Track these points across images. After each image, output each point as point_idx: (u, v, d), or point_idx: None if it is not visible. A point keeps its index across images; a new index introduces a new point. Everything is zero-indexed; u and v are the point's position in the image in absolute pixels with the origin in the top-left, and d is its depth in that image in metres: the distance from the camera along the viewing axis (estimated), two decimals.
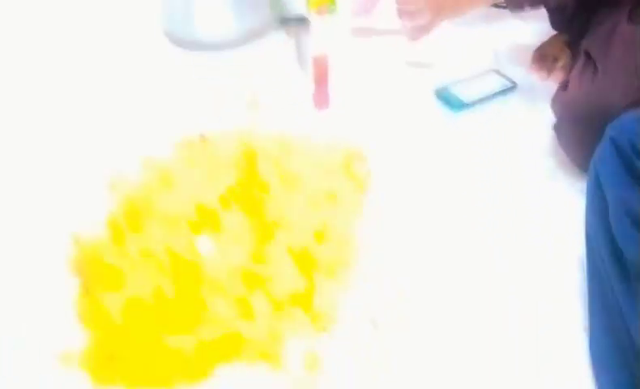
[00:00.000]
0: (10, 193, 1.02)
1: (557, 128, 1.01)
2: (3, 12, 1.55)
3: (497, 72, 1.26)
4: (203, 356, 0.73)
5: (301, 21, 1.25)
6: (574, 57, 1.09)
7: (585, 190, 0.76)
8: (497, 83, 1.23)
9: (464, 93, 1.20)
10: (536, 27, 1.30)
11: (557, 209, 0.94)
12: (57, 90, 1.29)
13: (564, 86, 1.01)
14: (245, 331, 0.76)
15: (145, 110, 1.23)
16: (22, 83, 1.32)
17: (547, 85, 1.16)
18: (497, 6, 1.30)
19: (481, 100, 1.19)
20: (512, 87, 1.22)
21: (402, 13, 1.12)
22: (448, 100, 1.20)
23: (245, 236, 0.88)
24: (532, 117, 1.14)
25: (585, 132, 0.90)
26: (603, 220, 0.71)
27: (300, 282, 0.82)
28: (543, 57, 1.24)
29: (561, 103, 1.00)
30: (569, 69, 1.11)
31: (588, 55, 0.96)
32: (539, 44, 1.24)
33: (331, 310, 0.79)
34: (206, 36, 1.41)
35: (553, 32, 1.22)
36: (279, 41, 1.30)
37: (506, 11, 1.22)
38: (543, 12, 1.14)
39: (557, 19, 1.15)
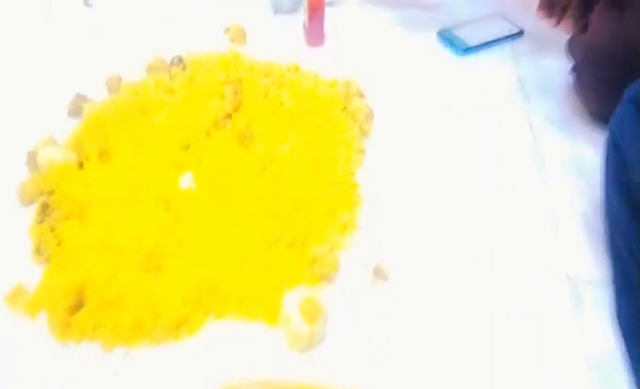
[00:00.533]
0: None
1: (576, 73, 0.93)
2: None
3: (503, 17, 1.17)
4: (188, 306, 0.62)
5: None
6: (585, 7, 1.01)
7: (600, 143, 0.70)
8: (502, 28, 1.15)
9: (468, 36, 1.12)
10: None
11: (568, 158, 0.86)
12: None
13: (583, 28, 0.93)
14: (234, 276, 0.65)
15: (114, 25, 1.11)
16: None
17: (555, 32, 1.08)
18: None
19: (486, 45, 1.11)
20: (519, 33, 1.13)
21: None
22: (451, 42, 1.11)
23: (232, 171, 0.77)
24: (540, 63, 1.06)
25: (608, 77, 0.84)
26: (622, 187, 0.65)
27: (296, 223, 0.71)
28: (551, 3, 1.16)
29: (580, 46, 0.92)
30: (578, 17, 1.03)
31: None
32: None
33: (332, 257, 0.68)
34: None
35: None
36: None
37: None
38: None
39: None
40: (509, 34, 1.13)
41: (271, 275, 0.66)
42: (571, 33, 0.96)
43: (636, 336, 0.62)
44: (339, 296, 0.67)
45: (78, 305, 0.60)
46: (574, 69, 0.93)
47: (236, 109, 0.86)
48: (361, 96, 0.95)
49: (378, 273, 0.69)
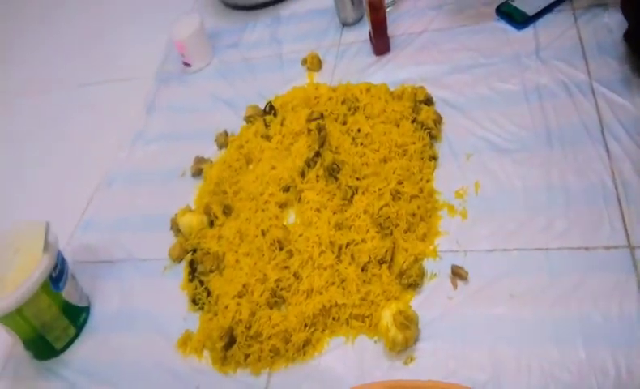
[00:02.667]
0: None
1: (630, 36, 0.94)
2: None
3: None
4: (309, 329, 0.81)
5: None
6: None
7: None
8: None
9: (526, 5, 1.14)
10: None
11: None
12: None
13: None
14: (340, 299, 0.82)
15: (211, 83, 1.29)
16: None
17: None
18: None
19: (546, 10, 1.13)
20: None
21: None
22: (511, 15, 1.15)
23: (326, 204, 0.93)
24: (600, 23, 1.07)
25: None
26: None
27: (382, 242, 0.86)
28: None
29: (633, 10, 0.93)
30: None
31: None
32: None
33: (417, 266, 0.83)
34: None
35: None
36: None
37: None
38: None
39: None
40: None
41: (369, 292, 0.82)
42: None
43: None
44: (427, 300, 0.81)
45: (231, 343, 0.82)
46: (626, 33, 0.95)
47: (322, 144, 1.02)
48: (429, 101, 1.05)
49: (456, 274, 0.82)
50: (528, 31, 1.11)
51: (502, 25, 1.15)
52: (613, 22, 1.04)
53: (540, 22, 1.12)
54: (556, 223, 0.82)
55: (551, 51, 1.05)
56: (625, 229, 0.79)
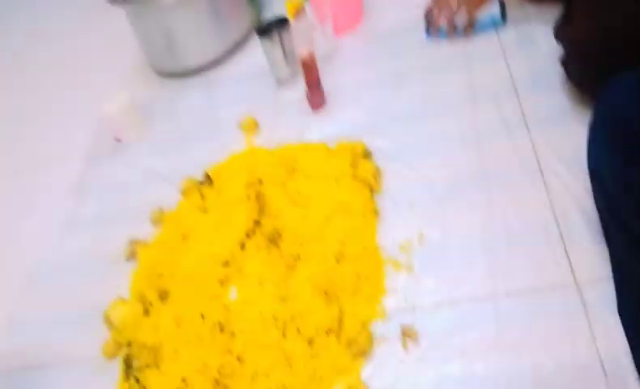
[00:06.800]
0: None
1: (564, 66, 0.95)
2: None
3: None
4: None
5: (282, 24, 1.20)
6: None
7: None
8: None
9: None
10: None
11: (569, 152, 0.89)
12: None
13: (565, 17, 0.94)
14: (287, 380, 0.76)
15: (145, 158, 1.24)
16: None
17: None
18: None
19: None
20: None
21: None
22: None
23: (268, 276, 0.88)
24: (530, 54, 1.09)
25: (597, 66, 0.85)
26: (604, 196, 0.70)
27: (329, 311, 0.81)
28: None
29: (566, 38, 0.93)
30: None
31: None
32: None
33: (365, 333, 0.78)
34: (190, 60, 1.39)
35: None
36: (259, 53, 1.26)
37: None
38: None
39: None
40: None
41: (317, 368, 0.76)
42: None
43: (635, 328, 0.67)
44: (378, 368, 0.76)
45: None
46: (562, 62, 0.95)
47: (261, 211, 0.97)
48: (367, 155, 1.03)
49: (406, 334, 0.78)
50: (461, 71, 1.11)
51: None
52: (543, 50, 1.05)
53: (472, 57, 1.13)
54: (500, 267, 0.80)
55: (483, 90, 1.05)
56: (571, 266, 0.76)
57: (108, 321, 0.89)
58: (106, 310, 0.89)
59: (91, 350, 0.88)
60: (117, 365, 0.86)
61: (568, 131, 0.91)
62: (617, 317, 0.69)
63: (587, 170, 0.74)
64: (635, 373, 0.65)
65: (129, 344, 0.87)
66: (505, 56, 1.10)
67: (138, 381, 0.81)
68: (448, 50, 1.17)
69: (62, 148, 1.35)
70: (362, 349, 0.77)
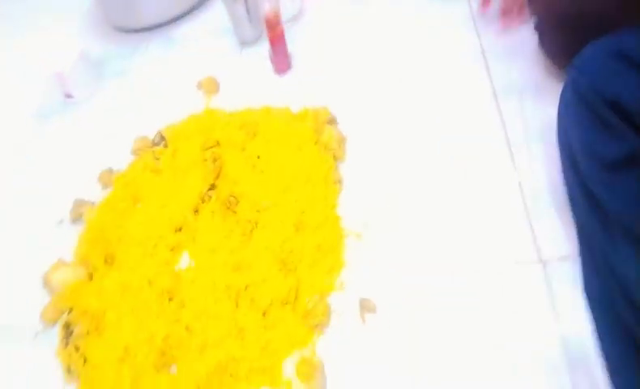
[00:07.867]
0: None
1: (538, 32, 0.92)
2: None
3: None
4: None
5: None
6: None
7: None
8: None
9: None
10: None
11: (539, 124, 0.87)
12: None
13: None
14: (238, 352, 0.72)
15: (96, 109, 1.17)
16: None
17: None
18: None
19: None
20: None
21: None
22: None
23: (223, 243, 0.84)
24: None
25: (571, 38, 0.81)
26: (573, 166, 0.68)
27: (285, 281, 0.77)
28: None
29: (540, 10, 0.90)
30: None
31: None
32: None
33: (322, 305, 0.75)
34: (149, 15, 1.31)
35: None
36: (223, 12, 1.19)
37: None
38: None
39: None
40: None
41: (271, 340, 0.73)
42: None
43: (600, 308, 0.65)
44: (335, 341, 0.73)
45: None
46: (537, 28, 0.92)
47: (218, 175, 0.92)
48: (332, 122, 0.99)
49: (365, 307, 0.75)
50: (431, 37, 1.08)
51: None
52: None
53: (442, 24, 1.09)
54: (464, 241, 0.78)
55: (452, 58, 1.02)
56: (535, 243, 0.75)
57: (48, 284, 0.83)
58: (46, 273, 0.83)
59: (30, 315, 0.82)
60: (57, 332, 0.80)
61: (539, 104, 0.89)
62: (582, 296, 0.67)
63: (557, 144, 0.72)
64: (598, 352, 0.64)
65: (70, 310, 0.81)
66: (476, 24, 1.07)
67: (77, 349, 0.76)
68: (416, 16, 1.13)
69: (9, 104, 1.26)
70: (319, 322, 0.74)
